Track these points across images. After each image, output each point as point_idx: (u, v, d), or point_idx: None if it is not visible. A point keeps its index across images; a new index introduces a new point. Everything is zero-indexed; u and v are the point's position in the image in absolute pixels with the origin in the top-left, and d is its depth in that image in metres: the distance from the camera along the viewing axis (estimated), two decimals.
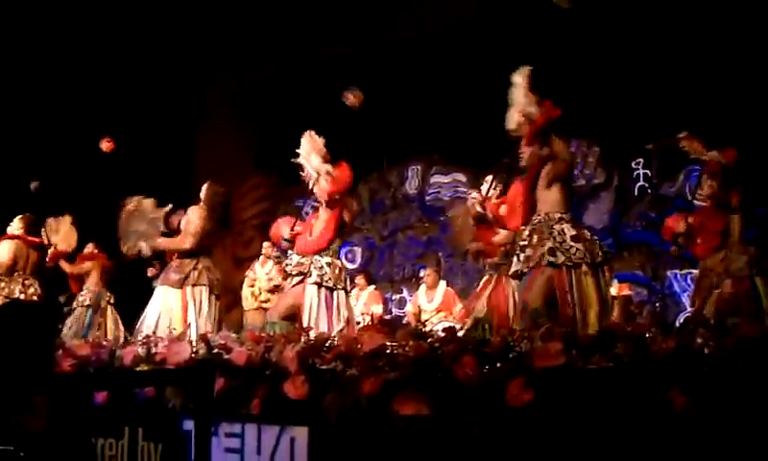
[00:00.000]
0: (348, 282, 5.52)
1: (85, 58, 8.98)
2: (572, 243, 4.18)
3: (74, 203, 8.01)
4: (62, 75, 8.92)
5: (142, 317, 5.77)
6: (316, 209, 5.66)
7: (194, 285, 5.67)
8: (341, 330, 4.92)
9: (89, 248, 8.30)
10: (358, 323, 5.46)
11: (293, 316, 5.19)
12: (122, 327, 7.61)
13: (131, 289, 8.21)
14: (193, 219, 5.83)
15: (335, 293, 5.20)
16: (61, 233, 7.72)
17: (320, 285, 5.16)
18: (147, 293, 6.82)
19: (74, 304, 7.94)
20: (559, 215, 4.30)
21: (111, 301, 8.13)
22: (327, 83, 9.22)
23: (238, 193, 10.67)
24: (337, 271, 5.26)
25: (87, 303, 7.98)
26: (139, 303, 6.86)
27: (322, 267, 5.21)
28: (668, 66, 7.71)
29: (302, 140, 5.45)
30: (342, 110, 5.64)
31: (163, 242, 6.09)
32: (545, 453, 2.90)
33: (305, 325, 4.94)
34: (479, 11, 8.57)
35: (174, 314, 5.57)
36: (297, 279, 5.26)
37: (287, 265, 5.45)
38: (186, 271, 5.67)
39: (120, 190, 6.72)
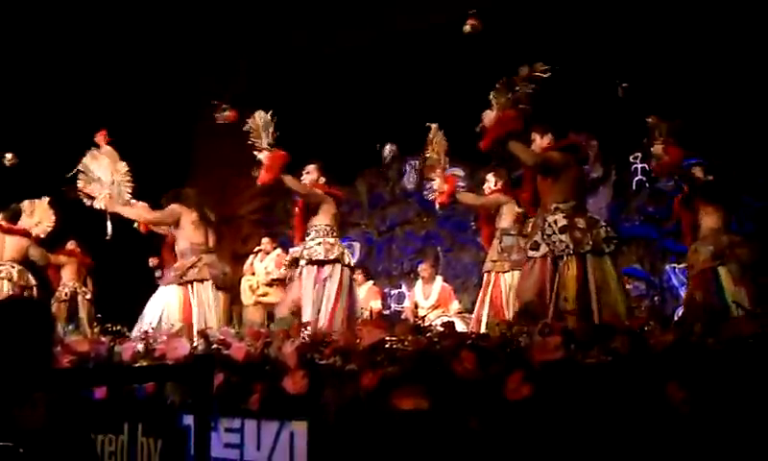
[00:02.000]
0: (350, 257, 5.72)
1: (82, 56, 8.96)
2: (559, 235, 4.19)
3: (65, 199, 7.96)
4: (60, 74, 8.90)
5: (141, 315, 5.74)
6: None
7: (196, 282, 5.56)
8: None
9: (71, 245, 8.28)
10: (357, 317, 5.49)
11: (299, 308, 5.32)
12: (94, 325, 7.56)
13: (114, 286, 8.26)
14: (173, 205, 5.76)
15: (326, 266, 5.37)
16: (37, 216, 7.50)
17: (312, 263, 5.37)
18: (132, 290, 6.84)
19: (52, 300, 7.90)
20: (555, 206, 4.30)
21: (87, 297, 8.12)
22: (326, 79, 9.24)
23: (236, 189, 10.66)
24: (328, 246, 5.43)
25: (64, 298, 7.98)
26: (122, 299, 6.88)
27: (310, 247, 5.43)
28: (665, 60, 7.71)
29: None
30: (339, 107, 5.64)
31: (125, 210, 5.91)
32: (544, 447, 2.91)
33: (303, 306, 5.17)
34: (478, 6, 8.56)
35: (171, 310, 5.49)
36: (298, 266, 5.49)
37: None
38: (185, 268, 5.57)
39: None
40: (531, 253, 4.28)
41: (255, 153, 5.65)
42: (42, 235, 7.48)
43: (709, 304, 4.85)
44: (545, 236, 4.23)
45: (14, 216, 7.24)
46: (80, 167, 5.89)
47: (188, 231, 5.65)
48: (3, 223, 7.17)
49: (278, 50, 10.05)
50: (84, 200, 5.93)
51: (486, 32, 8.22)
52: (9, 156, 7.26)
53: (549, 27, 7.80)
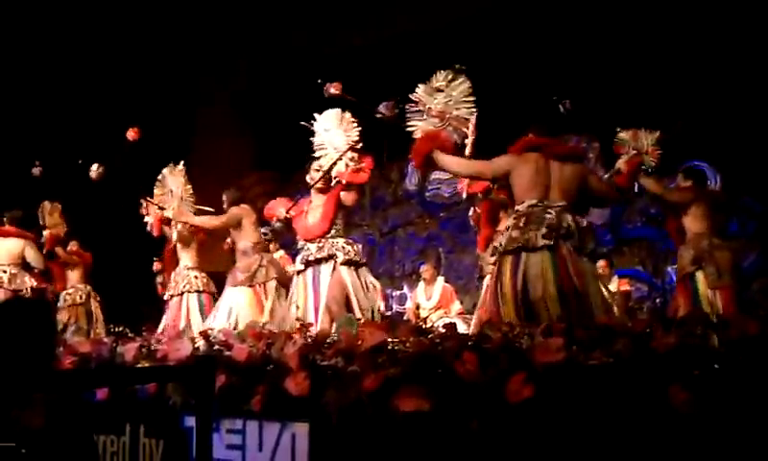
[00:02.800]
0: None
1: (81, 56, 8.97)
2: (502, 237, 4.22)
3: (64, 199, 7.98)
4: (60, 75, 8.91)
5: (210, 318, 5.82)
6: (307, 194, 5.65)
7: (265, 282, 5.78)
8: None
9: (73, 246, 8.29)
10: (359, 319, 5.46)
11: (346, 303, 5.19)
12: (101, 326, 7.61)
13: (111, 286, 8.27)
14: (233, 208, 5.99)
15: (360, 269, 5.27)
16: (56, 217, 7.71)
17: (350, 264, 5.21)
18: (131, 291, 6.83)
19: (60, 303, 7.88)
20: (516, 208, 4.28)
21: (98, 298, 8.17)
22: (326, 79, 9.22)
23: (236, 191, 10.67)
24: (357, 247, 5.38)
25: (79, 301, 7.99)
26: (124, 301, 6.90)
27: (344, 247, 5.25)
28: (667, 61, 7.71)
29: (330, 114, 5.41)
30: (339, 107, 5.63)
31: (192, 218, 6.36)
32: (546, 449, 2.91)
33: (356, 306, 5.03)
34: (477, 8, 8.57)
35: (245, 312, 5.66)
36: (327, 264, 5.23)
37: (306, 254, 5.33)
38: (253, 269, 5.80)
39: (113, 189, 6.75)
40: (490, 259, 4.31)
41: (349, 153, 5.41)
42: (61, 236, 7.69)
43: (689, 310, 4.81)
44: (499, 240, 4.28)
45: (13, 220, 7.26)
46: (159, 177, 6.54)
47: (249, 232, 5.90)
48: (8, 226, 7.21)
49: (278, 50, 10.05)
50: (156, 207, 6.54)
51: (486, 32, 8.23)
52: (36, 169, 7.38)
53: (550, 28, 7.80)
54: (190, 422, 3.73)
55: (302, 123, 5.36)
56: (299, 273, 5.34)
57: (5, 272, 7.05)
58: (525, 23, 8.00)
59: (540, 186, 4.23)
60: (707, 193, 5.92)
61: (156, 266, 7.51)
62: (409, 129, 4.72)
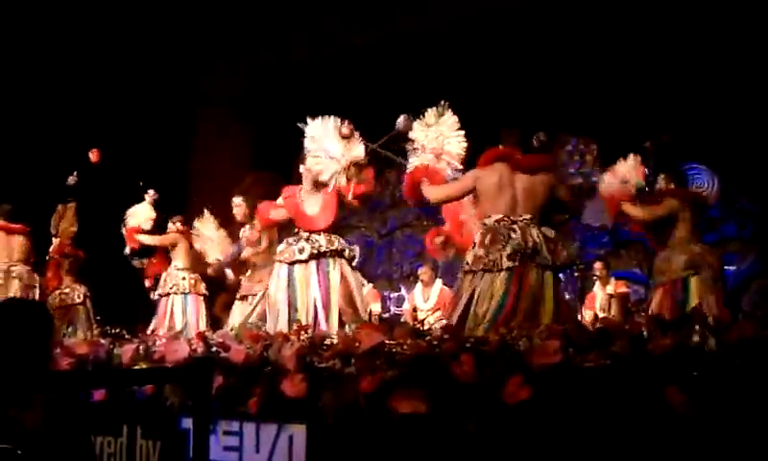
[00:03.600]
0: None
1: (80, 57, 8.96)
2: (469, 254, 4.31)
3: (61, 199, 7.97)
4: (58, 77, 8.89)
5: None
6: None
7: None
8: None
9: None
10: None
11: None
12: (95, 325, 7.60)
13: (108, 285, 8.27)
14: (252, 229, 6.14)
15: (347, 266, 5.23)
16: (68, 220, 7.73)
17: (349, 262, 5.20)
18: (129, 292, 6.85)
19: (55, 302, 7.84)
20: (484, 221, 4.36)
21: (87, 294, 8.17)
22: (327, 80, 9.23)
23: (235, 193, 10.66)
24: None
25: (78, 301, 7.97)
26: (121, 301, 6.93)
27: (346, 245, 5.25)
28: (666, 63, 7.72)
29: (327, 121, 5.27)
30: (339, 108, 5.61)
31: (228, 258, 6.62)
32: (543, 451, 2.91)
33: (359, 304, 5.05)
34: (478, 8, 8.57)
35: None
36: (334, 260, 5.12)
37: (315, 246, 5.10)
38: None
39: (114, 191, 6.77)
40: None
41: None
42: (67, 243, 7.71)
43: (676, 315, 4.77)
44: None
45: (4, 214, 7.26)
46: (194, 232, 6.82)
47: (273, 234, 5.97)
48: (8, 223, 7.21)
49: (278, 50, 10.04)
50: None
51: (486, 34, 8.23)
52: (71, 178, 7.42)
53: (549, 29, 7.80)
54: (187, 423, 3.73)
55: (299, 124, 5.30)
56: (293, 263, 5.08)
57: (24, 268, 7.15)
58: (525, 23, 7.99)
59: (505, 199, 4.28)
60: (689, 195, 5.83)
61: (149, 283, 7.48)
62: (408, 167, 4.98)
